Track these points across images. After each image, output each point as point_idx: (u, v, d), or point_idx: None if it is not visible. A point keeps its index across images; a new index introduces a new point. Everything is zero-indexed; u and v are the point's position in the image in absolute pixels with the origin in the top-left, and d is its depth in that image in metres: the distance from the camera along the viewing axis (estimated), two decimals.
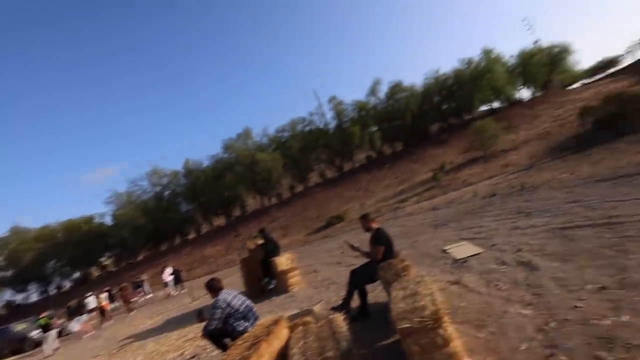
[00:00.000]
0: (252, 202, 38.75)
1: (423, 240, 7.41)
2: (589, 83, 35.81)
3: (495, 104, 37.72)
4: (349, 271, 4.11)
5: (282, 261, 7.40)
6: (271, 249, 7.68)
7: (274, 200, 36.78)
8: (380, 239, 3.85)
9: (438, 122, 37.97)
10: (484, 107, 37.97)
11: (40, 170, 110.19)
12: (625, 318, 2.18)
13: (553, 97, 31.74)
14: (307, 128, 38.05)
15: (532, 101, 34.35)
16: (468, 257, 4.80)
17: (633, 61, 36.92)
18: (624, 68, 36.01)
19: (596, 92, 24.83)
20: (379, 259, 3.75)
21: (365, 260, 4.12)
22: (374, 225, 4.00)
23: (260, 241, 8.12)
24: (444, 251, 5.62)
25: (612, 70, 38.62)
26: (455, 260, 4.87)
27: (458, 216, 8.86)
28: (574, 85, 37.51)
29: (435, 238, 7.09)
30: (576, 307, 2.53)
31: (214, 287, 3.67)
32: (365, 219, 4.04)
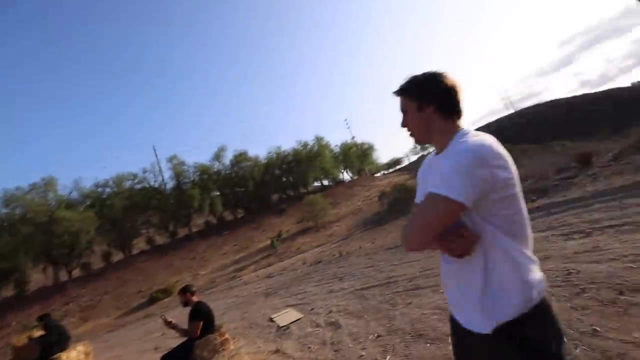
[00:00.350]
0: (39, 278, 28.60)
1: (254, 309, 7.36)
2: (387, 173, 48.46)
3: (325, 182, 44.80)
4: (161, 357, 3.58)
5: (73, 356, 5.64)
6: (54, 341, 5.76)
7: (76, 274, 28.44)
8: (199, 314, 3.62)
9: (278, 192, 41.26)
10: (316, 184, 44.31)
11: None
12: (388, 357, 2.83)
13: (364, 181, 40.55)
14: (139, 186, 33.41)
15: (351, 183, 42.78)
16: (290, 323, 5.08)
17: (409, 162, 53.03)
18: (405, 166, 51.24)
19: (389, 181, 33.43)
20: (197, 336, 3.47)
21: (183, 339, 3.71)
22: (194, 299, 3.76)
23: (40, 332, 6.00)
24: (271, 319, 5.75)
25: (399, 166, 54.30)
26: (279, 328, 5.05)
27: (288, 283, 9.39)
28: (378, 174, 49.76)
29: (265, 307, 7.19)
30: (361, 356, 3.08)
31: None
32: (184, 293, 3.74)
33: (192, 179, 35.56)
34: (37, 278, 28.59)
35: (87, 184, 31.92)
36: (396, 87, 1.12)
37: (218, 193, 36.71)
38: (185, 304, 3.69)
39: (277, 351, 4.06)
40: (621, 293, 2.53)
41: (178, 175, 34.88)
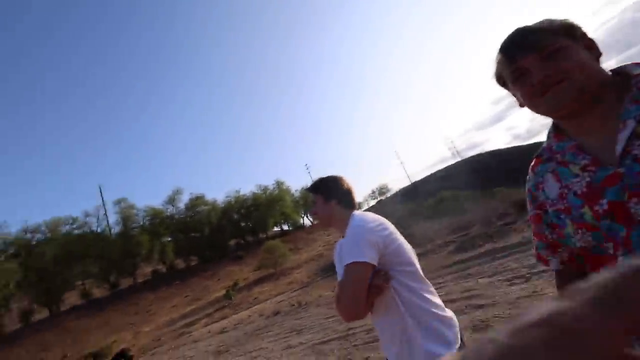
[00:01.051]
0: None
1: None
2: None
3: (285, 227, 44.04)
4: None
5: None
6: None
7: None
8: None
9: (235, 238, 39.60)
10: (276, 229, 43.35)
11: None
12: None
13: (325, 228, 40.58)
14: (77, 231, 30.29)
15: (311, 228, 42.49)
16: None
17: (368, 206, 54.20)
18: (365, 210, 52.53)
19: None
20: None
21: None
22: None
23: None
24: None
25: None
26: None
27: (243, 339, 8.69)
28: None
29: None
30: None
31: None
32: None
33: (141, 223, 33.09)
34: None
35: (14, 229, 28.26)
36: (310, 186, 1.50)
37: (170, 239, 34.31)
38: None
39: None
40: None
41: (126, 219, 32.33)
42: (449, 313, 1.16)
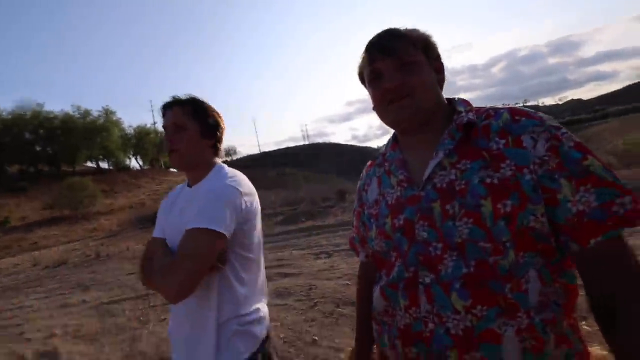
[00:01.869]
0: None
1: None
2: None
3: (104, 165, 36.45)
4: None
5: None
6: None
7: None
8: None
9: (22, 163, 29.80)
10: (89, 164, 35.28)
11: None
12: None
13: (156, 174, 36.03)
14: None
15: (138, 172, 36.83)
16: None
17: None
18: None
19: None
20: None
21: None
22: None
23: None
24: None
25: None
26: None
27: None
28: (176, 169, 45.64)
29: None
30: None
31: None
32: None
33: None
34: None
35: None
36: (173, 97, 1.00)
37: None
38: None
39: None
40: (338, 306, 3.24)
41: None
42: (263, 310, 1.00)
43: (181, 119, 0.96)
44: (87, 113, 32.91)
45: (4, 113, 28.20)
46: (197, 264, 0.82)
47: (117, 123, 35.39)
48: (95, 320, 4.02)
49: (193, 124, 0.97)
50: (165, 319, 3.67)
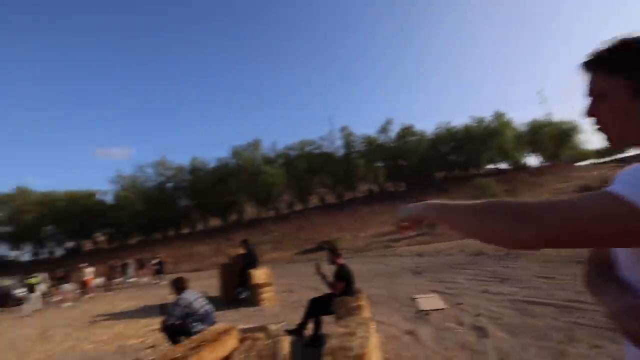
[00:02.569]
0: (249, 211, 38.90)
1: (398, 283, 7.50)
2: (597, 164, 36.35)
3: (502, 165, 38.35)
4: (310, 299, 4.26)
5: (259, 274, 7.49)
6: (250, 260, 7.79)
7: (271, 214, 36.88)
8: (342, 276, 4.03)
9: (443, 170, 38.61)
10: (490, 166, 38.57)
11: (55, 137, 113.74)
12: None
13: (559, 170, 32.14)
14: (316, 151, 38.92)
15: (538, 170, 34.79)
16: (431, 310, 4.91)
17: (633, 153, 37.55)
18: (625, 157, 36.64)
19: (598, 174, 25.18)
20: (337, 294, 3.91)
21: (327, 290, 4.27)
22: (339, 261, 4.20)
23: (242, 251, 8.25)
24: (412, 299, 5.73)
25: (616, 156, 39.26)
26: (419, 311, 4.98)
27: (439, 268, 8.94)
28: (582, 163, 38.08)
29: (410, 284, 7.18)
30: None
31: (178, 286, 3.84)
32: (332, 253, 4.25)
33: (358, 149, 38.31)
34: (248, 211, 38.97)
35: (280, 146, 39.77)
36: (588, 57, 0.68)
37: (382, 164, 38.10)
38: (332, 263, 4.20)
39: (410, 333, 4.06)
40: None
41: (348, 144, 38.31)
42: None
43: (595, 82, 0.68)
44: (481, 121, 36.96)
45: (428, 133, 38.39)
46: (582, 219, 0.52)
47: (508, 124, 36.31)
48: (514, 315, 4.24)
49: (616, 84, 0.64)
50: (599, 347, 3.09)
